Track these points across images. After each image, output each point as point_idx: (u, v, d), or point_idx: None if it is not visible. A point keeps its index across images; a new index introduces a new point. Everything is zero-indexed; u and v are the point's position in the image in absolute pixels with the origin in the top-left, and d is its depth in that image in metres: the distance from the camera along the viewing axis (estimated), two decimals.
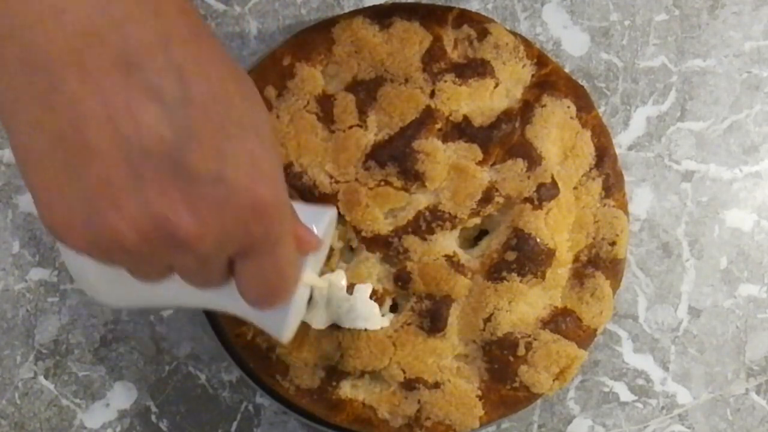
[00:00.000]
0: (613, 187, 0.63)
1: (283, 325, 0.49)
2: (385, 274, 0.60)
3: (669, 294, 0.67)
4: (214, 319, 0.63)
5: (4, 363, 0.66)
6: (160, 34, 0.37)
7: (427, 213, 0.60)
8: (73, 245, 0.38)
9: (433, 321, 0.60)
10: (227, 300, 0.46)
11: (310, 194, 0.60)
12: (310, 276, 0.50)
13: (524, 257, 0.60)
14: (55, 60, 0.36)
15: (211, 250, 0.39)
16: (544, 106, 0.61)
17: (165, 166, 0.36)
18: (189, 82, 0.37)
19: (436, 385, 0.60)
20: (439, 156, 0.60)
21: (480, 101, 0.61)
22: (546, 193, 0.60)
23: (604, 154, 0.63)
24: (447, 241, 0.60)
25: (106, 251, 0.38)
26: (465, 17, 0.62)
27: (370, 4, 0.66)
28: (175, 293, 0.46)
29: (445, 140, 0.60)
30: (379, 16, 0.62)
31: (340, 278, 0.58)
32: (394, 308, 0.61)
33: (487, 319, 0.60)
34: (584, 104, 0.63)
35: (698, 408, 0.67)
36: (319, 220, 0.49)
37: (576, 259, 0.62)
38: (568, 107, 0.62)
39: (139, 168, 0.36)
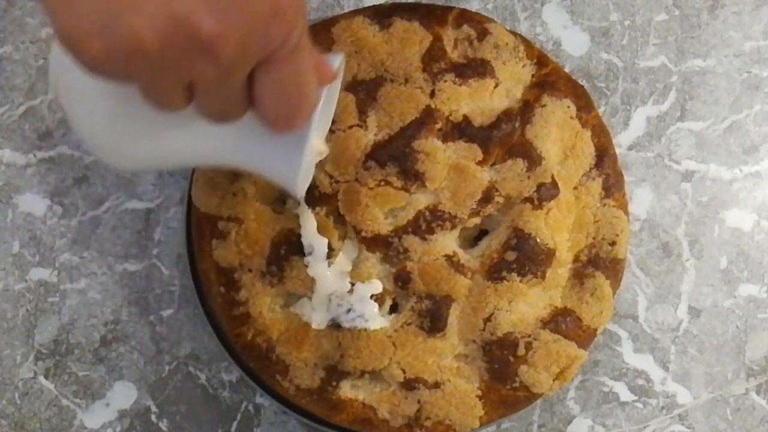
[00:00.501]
0: (613, 187, 0.63)
1: (296, 172, 0.47)
2: (385, 274, 0.60)
3: (669, 294, 0.67)
4: (214, 319, 0.63)
5: (4, 363, 0.66)
6: None
7: (427, 213, 0.60)
8: (90, 57, 0.37)
9: (433, 321, 0.60)
10: (239, 147, 0.45)
11: (309, 194, 0.60)
12: (317, 140, 0.48)
13: (524, 257, 0.60)
14: None
15: (233, 56, 0.38)
16: (544, 106, 0.61)
17: None
18: None
19: (436, 385, 0.60)
20: (439, 156, 0.60)
21: (480, 101, 0.61)
22: (546, 193, 0.60)
23: (604, 154, 0.63)
24: (447, 241, 0.60)
25: (125, 59, 0.36)
26: (465, 17, 0.62)
27: (370, 4, 0.66)
28: (186, 143, 0.45)
29: (445, 140, 0.60)
30: (379, 16, 0.62)
31: (375, 286, 0.59)
32: (394, 308, 0.61)
33: (487, 319, 0.60)
34: (584, 104, 0.63)
35: (698, 408, 0.67)
36: (331, 63, 0.48)
37: (576, 259, 0.62)
38: (568, 107, 0.62)
39: None
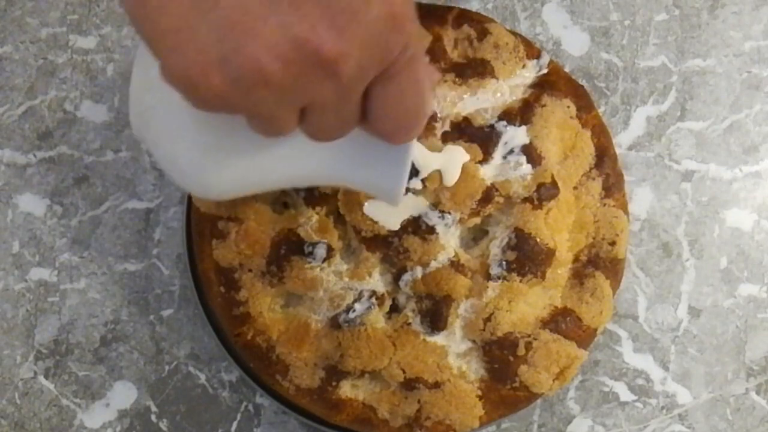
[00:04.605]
0: (613, 187, 0.63)
1: (399, 182, 0.46)
2: (385, 274, 0.60)
3: (669, 294, 0.67)
4: (214, 319, 0.63)
5: (4, 363, 0.66)
6: None
7: (428, 213, 0.60)
8: (210, 94, 0.36)
9: (433, 321, 0.60)
10: (338, 164, 0.44)
11: (309, 194, 0.60)
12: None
13: (524, 257, 0.60)
14: None
15: (353, 73, 0.37)
16: (544, 106, 0.61)
17: None
18: None
19: (436, 385, 0.60)
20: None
21: (480, 101, 0.61)
22: (546, 192, 0.60)
23: (604, 154, 0.63)
24: (447, 241, 0.60)
25: (245, 88, 0.36)
26: (465, 17, 0.62)
27: None
28: (284, 167, 0.44)
29: (445, 140, 0.60)
30: None
31: (375, 286, 0.58)
32: (394, 308, 0.61)
33: (487, 319, 0.60)
34: (584, 104, 0.63)
35: (698, 408, 0.67)
36: None
37: (576, 259, 0.62)
38: (568, 107, 0.62)
39: None
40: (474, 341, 0.61)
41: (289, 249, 0.60)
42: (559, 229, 0.61)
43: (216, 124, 0.43)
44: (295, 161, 0.44)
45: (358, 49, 0.36)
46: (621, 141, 0.68)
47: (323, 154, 0.44)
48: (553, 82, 0.62)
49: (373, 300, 0.60)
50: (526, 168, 0.60)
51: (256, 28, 0.35)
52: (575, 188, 0.62)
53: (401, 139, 0.42)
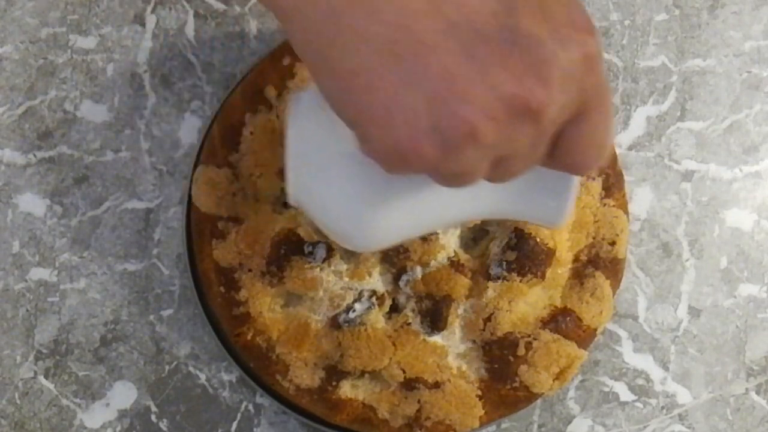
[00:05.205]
0: (613, 186, 0.63)
1: (564, 208, 0.46)
2: (385, 274, 0.60)
3: (669, 294, 0.67)
4: (214, 319, 0.63)
5: (4, 363, 0.66)
6: None
7: None
8: (418, 158, 0.37)
9: (433, 321, 0.60)
10: (504, 199, 0.45)
11: None
12: None
13: (524, 257, 0.60)
14: None
15: (555, 117, 0.37)
16: None
17: (500, 40, 0.35)
18: None
19: (436, 385, 0.60)
20: None
21: None
22: None
23: None
24: (447, 241, 0.60)
25: (455, 150, 0.36)
26: None
27: None
28: (451, 210, 0.44)
29: None
30: None
31: (375, 286, 0.58)
32: (394, 308, 0.61)
33: (487, 319, 0.60)
34: None
35: (698, 408, 0.67)
36: None
37: (576, 259, 0.62)
38: None
39: (475, 52, 0.35)
40: (474, 341, 0.61)
41: (289, 249, 0.60)
42: (558, 229, 0.61)
43: (380, 180, 0.43)
44: (461, 204, 0.45)
45: (560, 95, 0.37)
46: (621, 141, 0.68)
47: (489, 194, 0.45)
48: None
49: (373, 300, 0.60)
50: None
51: (467, 92, 0.35)
52: None
53: (587, 171, 0.42)
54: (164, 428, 0.66)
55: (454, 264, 0.60)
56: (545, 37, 0.36)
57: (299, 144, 0.46)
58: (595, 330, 0.62)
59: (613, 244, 0.62)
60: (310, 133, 0.44)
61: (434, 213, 0.46)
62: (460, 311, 0.60)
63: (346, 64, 0.36)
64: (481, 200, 0.43)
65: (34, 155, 0.66)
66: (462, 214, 0.48)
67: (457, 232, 0.61)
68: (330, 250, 0.59)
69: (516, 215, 0.49)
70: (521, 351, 0.60)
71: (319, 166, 0.45)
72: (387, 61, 0.35)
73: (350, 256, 0.61)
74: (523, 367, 0.60)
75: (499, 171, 0.40)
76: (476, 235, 0.62)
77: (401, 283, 0.60)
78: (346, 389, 0.61)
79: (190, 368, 0.66)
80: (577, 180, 0.46)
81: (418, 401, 0.60)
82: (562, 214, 0.47)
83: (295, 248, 0.59)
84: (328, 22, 0.36)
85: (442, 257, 0.60)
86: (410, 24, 0.35)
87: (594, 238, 0.62)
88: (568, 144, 0.40)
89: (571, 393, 0.67)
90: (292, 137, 0.46)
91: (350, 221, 0.46)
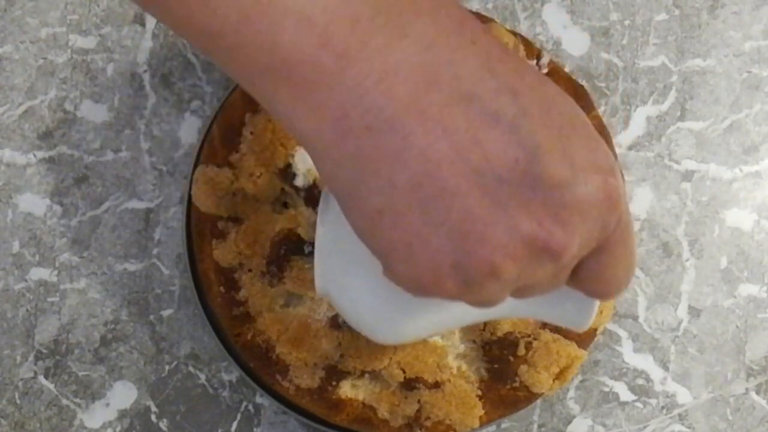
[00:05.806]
0: None
1: (586, 314, 0.48)
2: None
3: (669, 294, 0.67)
4: (214, 319, 0.63)
5: (4, 363, 0.66)
6: (482, 59, 0.37)
7: None
8: (440, 291, 0.38)
9: None
10: (526, 306, 0.46)
11: (309, 193, 0.60)
12: None
13: None
14: (400, 115, 0.36)
15: (576, 254, 0.39)
16: None
17: (522, 185, 0.37)
18: (520, 95, 0.37)
19: (436, 385, 0.60)
20: None
21: None
22: None
23: None
24: None
25: (478, 286, 0.38)
26: None
27: None
28: (468, 312, 0.46)
29: None
30: None
31: None
32: None
33: None
34: (584, 104, 0.63)
35: (698, 408, 0.67)
36: None
37: None
38: None
39: (496, 195, 0.37)
40: (474, 341, 0.61)
41: (289, 249, 0.60)
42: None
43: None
44: (485, 309, 0.45)
45: (581, 235, 0.38)
46: (621, 141, 0.68)
47: (513, 301, 0.45)
48: (553, 82, 0.62)
49: None
50: None
51: (487, 233, 0.37)
52: None
53: (610, 299, 0.44)
54: (164, 428, 0.66)
55: None
56: (567, 182, 0.37)
57: (329, 241, 0.47)
58: (595, 330, 0.62)
59: None
60: (341, 231, 0.45)
61: (459, 317, 0.48)
62: None
63: (373, 204, 0.38)
64: (505, 305, 0.44)
65: (34, 155, 0.66)
66: (485, 316, 0.50)
67: None
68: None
69: (538, 317, 0.50)
70: (521, 351, 0.60)
71: (349, 264, 0.47)
72: (411, 203, 0.37)
73: None
74: (523, 367, 0.60)
75: (521, 294, 0.41)
76: None
77: None
78: (346, 389, 0.61)
79: (190, 368, 0.66)
80: None
81: (418, 401, 0.60)
82: (585, 320, 0.48)
83: (295, 248, 0.59)
84: (355, 165, 0.37)
85: None
86: (434, 171, 0.36)
87: None
88: (590, 274, 0.41)
89: (571, 393, 0.67)
90: (322, 233, 0.47)
91: (378, 320, 0.48)
